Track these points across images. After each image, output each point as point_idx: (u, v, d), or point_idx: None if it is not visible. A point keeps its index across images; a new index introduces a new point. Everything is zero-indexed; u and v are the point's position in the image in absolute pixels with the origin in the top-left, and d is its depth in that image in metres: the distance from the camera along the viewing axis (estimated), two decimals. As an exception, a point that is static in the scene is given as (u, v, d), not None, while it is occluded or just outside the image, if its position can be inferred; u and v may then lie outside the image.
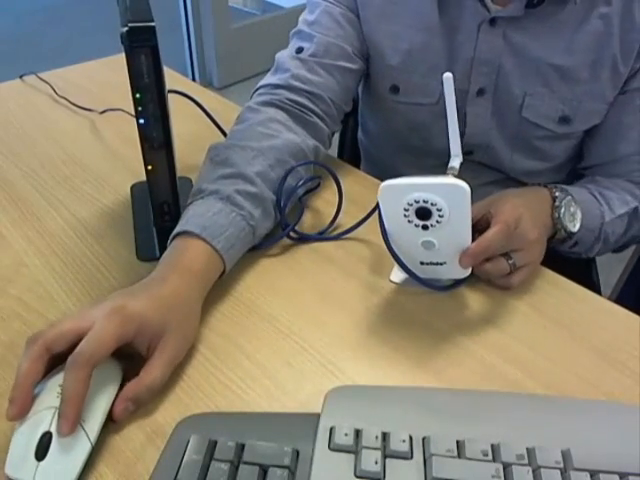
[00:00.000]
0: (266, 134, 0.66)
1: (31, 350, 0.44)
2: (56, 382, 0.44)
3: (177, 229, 0.56)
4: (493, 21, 0.69)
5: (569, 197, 0.63)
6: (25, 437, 0.41)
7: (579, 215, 0.63)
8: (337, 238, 0.65)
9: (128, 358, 0.48)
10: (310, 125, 0.71)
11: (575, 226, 0.63)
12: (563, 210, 0.61)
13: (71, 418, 0.41)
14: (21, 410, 0.42)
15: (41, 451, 0.40)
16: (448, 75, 0.50)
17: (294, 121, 0.70)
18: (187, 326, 0.50)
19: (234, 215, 0.57)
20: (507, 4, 0.68)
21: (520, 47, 0.69)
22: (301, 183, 0.66)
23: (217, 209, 0.57)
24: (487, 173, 0.82)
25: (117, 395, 0.45)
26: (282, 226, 0.64)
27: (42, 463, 0.40)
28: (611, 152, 0.73)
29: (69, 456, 0.41)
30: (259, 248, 0.63)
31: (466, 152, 0.79)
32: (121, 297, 0.48)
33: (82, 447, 0.41)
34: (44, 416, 0.42)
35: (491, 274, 0.56)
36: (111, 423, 0.45)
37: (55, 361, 0.45)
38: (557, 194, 0.62)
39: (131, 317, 0.46)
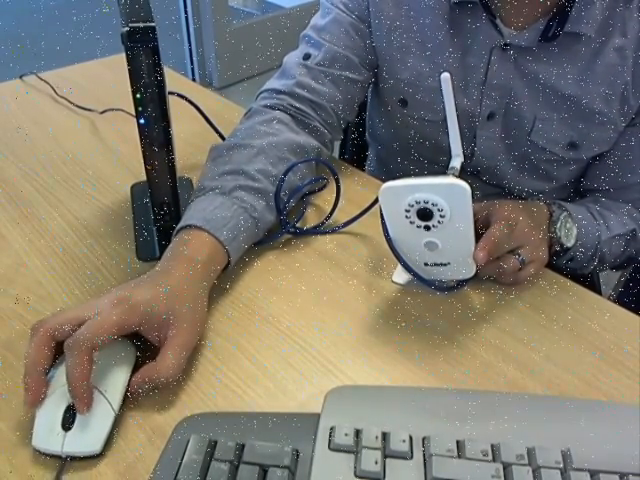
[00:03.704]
0: (268, 132, 0.66)
1: (35, 338, 0.45)
2: None
3: (180, 224, 0.56)
4: (505, 46, 0.68)
5: (565, 213, 0.63)
6: (50, 411, 0.43)
7: (574, 232, 0.63)
8: (333, 232, 0.66)
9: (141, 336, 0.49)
10: (312, 129, 0.71)
11: (570, 241, 0.63)
12: (559, 225, 0.62)
13: (83, 399, 0.42)
14: (36, 396, 0.43)
15: (67, 422, 0.42)
16: (446, 75, 0.49)
17: (297, 124, 0.71)
18: (195, 313, 0.50)
19: (235, 207, 0.58)
20: (522, 29, 0.66)
21: (532, 74, 0.68)
22: (307, 182, 0.66)
23: (218, 203, 0.57)
24: (489, 189, 0.82)
25: (134, 368, 0.47)
26: (282, 224, 0.64)
27: (69, 433, 0.42)
28: (619, 180, 0.73)
29: (95, 425, 0.43)
30: (260, 245, 0.63)
31: (473, 172, 0.79)
32: (127, 288, 0.49)
33: (106, 416, 0.43)
34: (65, 391, 0.43)
35: (504, 270, 0.56)
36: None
37: (61, 347, 0.45)
38: (554, 209, 0.63)
39: (135, 307, 0.47)
